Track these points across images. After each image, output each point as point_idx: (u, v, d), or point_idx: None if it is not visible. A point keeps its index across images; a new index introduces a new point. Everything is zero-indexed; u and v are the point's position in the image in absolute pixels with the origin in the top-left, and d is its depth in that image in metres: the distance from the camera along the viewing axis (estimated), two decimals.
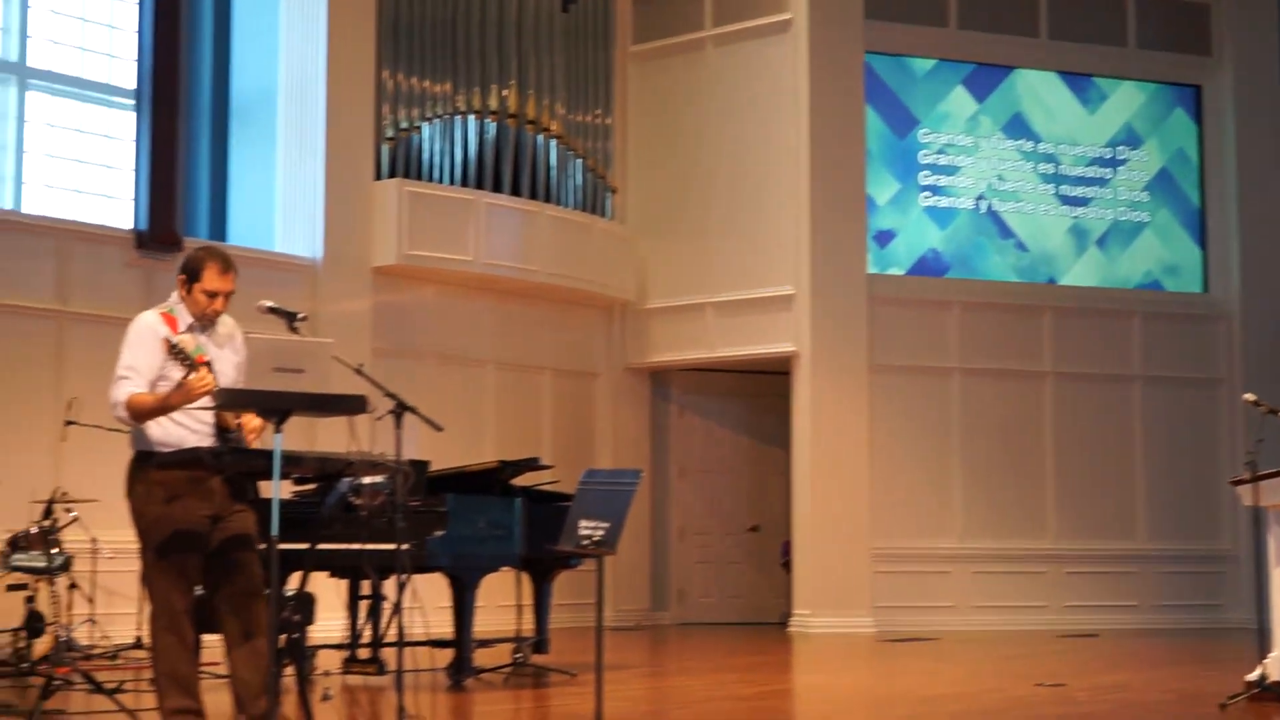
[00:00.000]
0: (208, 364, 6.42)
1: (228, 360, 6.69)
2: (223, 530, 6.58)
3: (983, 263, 17.62)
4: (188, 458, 6.38)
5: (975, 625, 16.71)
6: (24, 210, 13.90)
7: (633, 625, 17.15)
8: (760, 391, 18.31)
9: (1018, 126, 17.87)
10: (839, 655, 13.73)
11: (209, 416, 6.53)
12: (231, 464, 6.37)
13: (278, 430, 6.07)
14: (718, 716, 8.48)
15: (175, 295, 6.72)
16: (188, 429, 6.54)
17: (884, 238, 17.28)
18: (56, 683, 7.72)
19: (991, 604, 17.01)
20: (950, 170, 17.58)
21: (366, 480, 6.55)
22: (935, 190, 17.50)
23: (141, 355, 6.51)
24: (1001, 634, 16.17)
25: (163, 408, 6.41)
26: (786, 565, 17.21)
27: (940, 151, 17.57)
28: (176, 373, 6.43)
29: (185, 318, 6.64)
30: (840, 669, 12.59)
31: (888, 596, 16.61)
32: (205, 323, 6.66)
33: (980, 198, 17.65)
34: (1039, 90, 17.98)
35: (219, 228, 15.29)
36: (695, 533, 18.27)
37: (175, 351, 6.37)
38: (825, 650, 14.25)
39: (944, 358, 17.30)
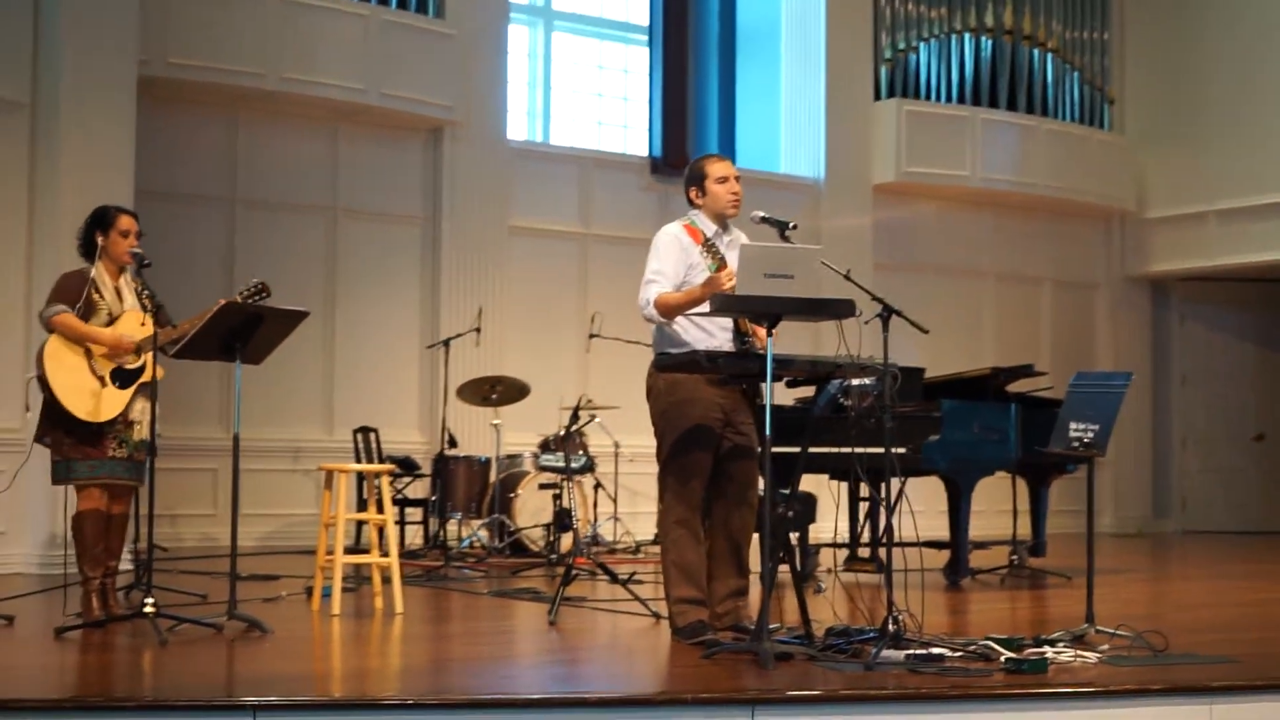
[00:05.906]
0: None
1: None
2: (731, 437, 6.52)
3: None
4: (686, 359, 6.31)
5: None
6: (551, 141, 14.34)
7: (1134, 532, 16.45)
8: (1266, 299, 17.12)
9: None
10: None
11: (728, 322, 6.48)
12: (726, 366, 6.26)
13: (770, 333, 5.94)
14: (1216, 621, 7.88)
15: (692, 210, 6.70)
16: (707, 333, 6.51)
17: None
18: (575, 572, 7.86)
19: None
20: None
21: (855, 382, 6.33)
22: None
23: (669, 261, 6.53)
24: None
25: (690, 302, 6.37)
26: None
27: None
28: (700, 277, 6.43)
29: (706, 226, 6.63)
30: None
31: None
32: (725, 221, 6.63)
33: None
34: None
35: (727, 151, 15.34)
36: (1198, 441, 17.29)
37: (709, 246, 6.48)
38: None
39: None
